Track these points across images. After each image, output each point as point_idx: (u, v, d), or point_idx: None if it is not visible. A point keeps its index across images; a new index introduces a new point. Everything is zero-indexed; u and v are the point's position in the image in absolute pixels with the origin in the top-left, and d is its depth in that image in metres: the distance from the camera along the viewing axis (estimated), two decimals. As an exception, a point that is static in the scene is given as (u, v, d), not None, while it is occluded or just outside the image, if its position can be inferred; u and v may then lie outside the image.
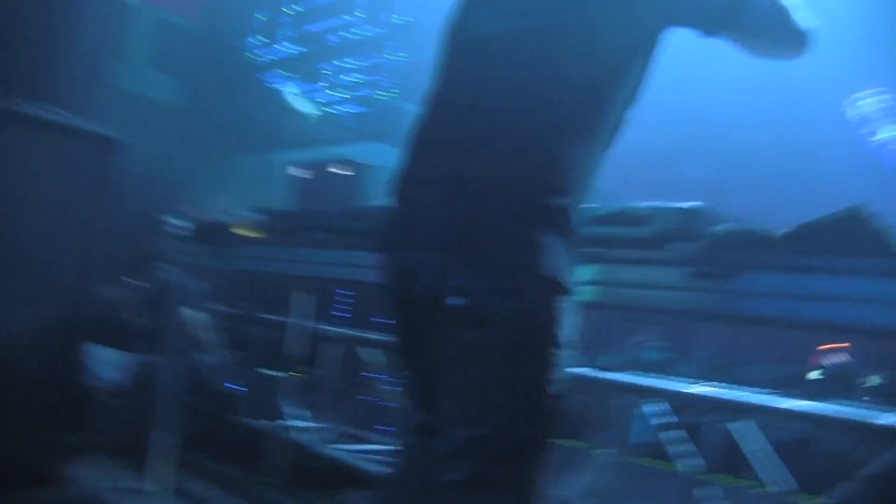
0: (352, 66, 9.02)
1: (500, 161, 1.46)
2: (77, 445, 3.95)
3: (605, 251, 2.12)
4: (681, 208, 2.13)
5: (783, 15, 1.57)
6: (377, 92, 8.58)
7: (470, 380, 1.46)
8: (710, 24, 1.54)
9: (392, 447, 3.86)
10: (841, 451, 2.56)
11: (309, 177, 7.96)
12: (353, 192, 7.42)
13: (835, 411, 2.12)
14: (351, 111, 8.86)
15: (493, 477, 1.44)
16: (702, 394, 2.41)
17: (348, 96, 8.92)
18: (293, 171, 8.31)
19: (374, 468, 3.75)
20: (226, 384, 4.75)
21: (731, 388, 2.50)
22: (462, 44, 1.66)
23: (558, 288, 1.44)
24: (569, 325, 1.46)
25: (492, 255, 1.44)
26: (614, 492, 2.73)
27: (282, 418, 3.93)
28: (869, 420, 2.05)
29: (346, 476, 4.05)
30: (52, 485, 3.64)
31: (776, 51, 1.67)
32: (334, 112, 9.02)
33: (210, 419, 4.65)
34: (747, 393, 2.37)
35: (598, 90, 1.53)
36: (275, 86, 9.73)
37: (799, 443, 2.62)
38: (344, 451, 4.12)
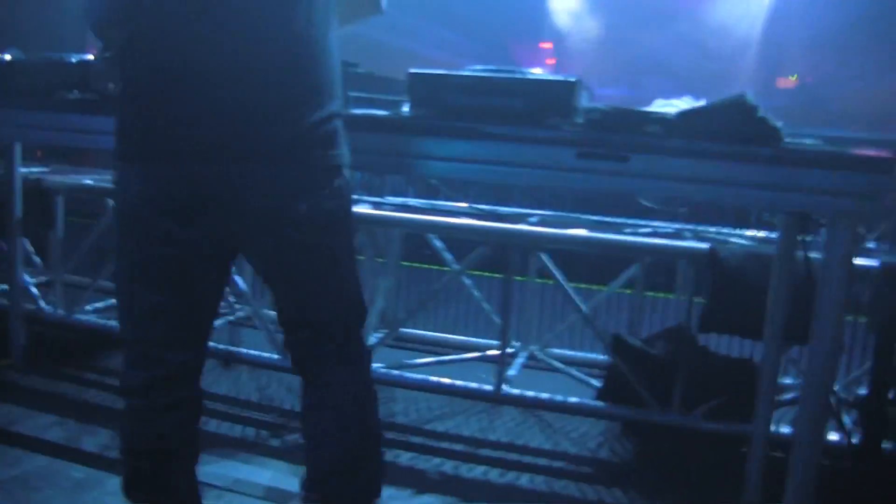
0: None
1: (274, 80, 1.58)
2: None
3: (480, 126, 1.96)
4: (556, 80, 2.02)
5: None
6: None
7: (311, 273, 1.70)
8: None
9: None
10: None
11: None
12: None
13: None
14: None
15: (352, 349, 1.76)
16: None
17: None
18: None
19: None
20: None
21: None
22: None
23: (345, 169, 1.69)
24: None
25: (293, 161, 1.60)
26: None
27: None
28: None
29: (94, 339, 3.65)
30: None
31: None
32: None
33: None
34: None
35: None
36: None
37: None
38: (86, 312, 3.67)
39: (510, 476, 2.79)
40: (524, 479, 2.78)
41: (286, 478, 2.67)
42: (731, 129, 1.81)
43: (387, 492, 2.66)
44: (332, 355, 1.75)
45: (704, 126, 1.83)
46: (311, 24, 1.62)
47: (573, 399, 2.91)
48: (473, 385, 3.00)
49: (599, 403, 2.86)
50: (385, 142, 2.03)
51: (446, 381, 3.03)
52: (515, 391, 2.98)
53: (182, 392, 1.74)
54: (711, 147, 1.81)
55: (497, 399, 3.02)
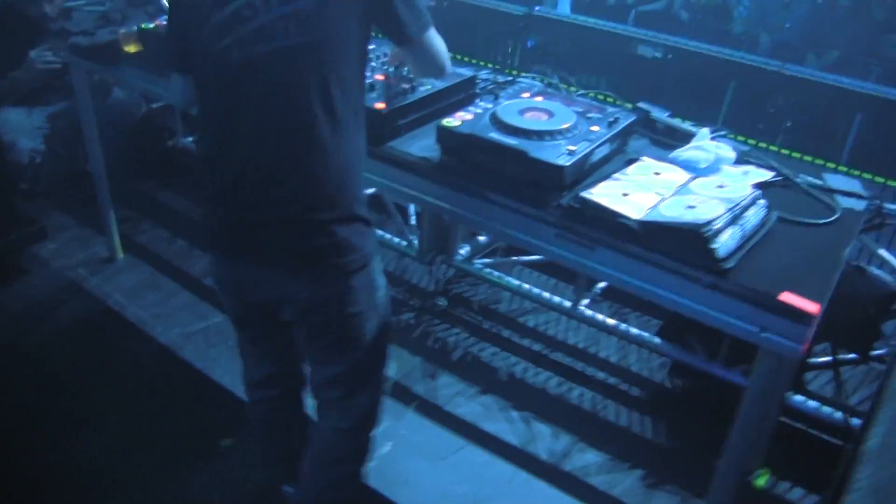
0: None
1: (303, 191, 1.77)
2: (34, 227, 4.07)
3: (484, 191, 2.23)
4: (550, 163, 2.15)
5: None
6: None
7: (328, 343, 2.05)
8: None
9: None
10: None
11: None
12: None
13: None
14: None
15: (357, 389, 2.13)
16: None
17: None
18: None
19: None
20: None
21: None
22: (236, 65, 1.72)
23: (370, 262, 1.93)
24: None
25: (323, 266, 1.86)
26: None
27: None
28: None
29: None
30: (24, 271, 3.81)
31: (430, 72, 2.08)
32: None
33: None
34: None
35: (357, 83, 1.83)
36: None
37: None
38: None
39: (565, 388, 3.29)
40: (575, 394, 3.28)
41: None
42: (681, 249, 1.97)
43: (457, 386, 3.30)
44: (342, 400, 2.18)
45: (660, 239, 2.00)
46: (328, 109, 1.74)
47: (635, 330, 3.28)
48: (556, 298, 3.49)
49: (657, 339, 3.21)
50: (411, 180, 2.38)
51: (532, 288, 3.55)
52: (589, 312, 3.39)
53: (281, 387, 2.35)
54: (661, 260, 1.99)
55: (572, 315, 3.45)
